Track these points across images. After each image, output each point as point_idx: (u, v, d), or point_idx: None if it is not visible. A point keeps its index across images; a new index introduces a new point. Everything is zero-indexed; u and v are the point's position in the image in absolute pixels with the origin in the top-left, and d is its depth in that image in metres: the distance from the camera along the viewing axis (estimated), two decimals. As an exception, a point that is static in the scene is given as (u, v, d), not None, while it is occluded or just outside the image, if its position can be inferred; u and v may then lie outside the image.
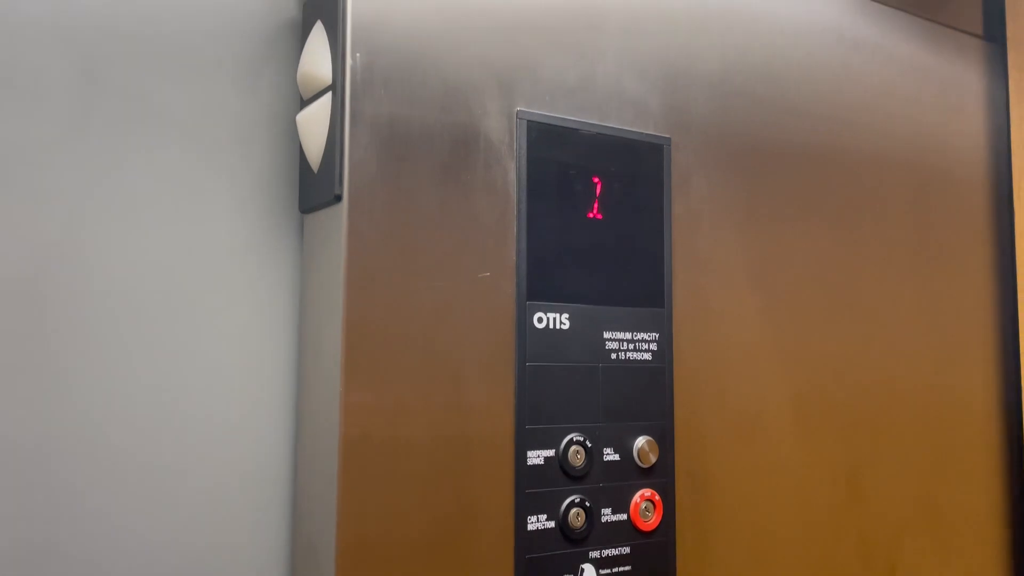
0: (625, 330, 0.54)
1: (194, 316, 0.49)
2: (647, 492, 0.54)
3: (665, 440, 0.55)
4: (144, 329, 0.48)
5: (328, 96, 0.48)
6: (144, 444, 0.47)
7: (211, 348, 0.50)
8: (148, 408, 0.47)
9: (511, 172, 0.51)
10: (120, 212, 0.48)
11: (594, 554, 0.52)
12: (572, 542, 0.51)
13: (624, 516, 0.53)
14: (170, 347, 0.48)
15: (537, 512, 0.50)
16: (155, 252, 0.48)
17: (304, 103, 0.51)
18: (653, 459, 0.54)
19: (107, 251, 0.47)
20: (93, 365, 0.46)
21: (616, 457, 0.53)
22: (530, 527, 0.50)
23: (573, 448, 0.51)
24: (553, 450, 0.51)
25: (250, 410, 0.50)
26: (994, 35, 0.80)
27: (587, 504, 0.52)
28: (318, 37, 0.49)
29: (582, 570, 0.51)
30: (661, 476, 0.55)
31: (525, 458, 0.50)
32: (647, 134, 0.57)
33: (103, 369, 0.46)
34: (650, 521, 0.54)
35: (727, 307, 0.60)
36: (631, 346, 0.54)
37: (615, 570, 0.52)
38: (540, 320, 0.51)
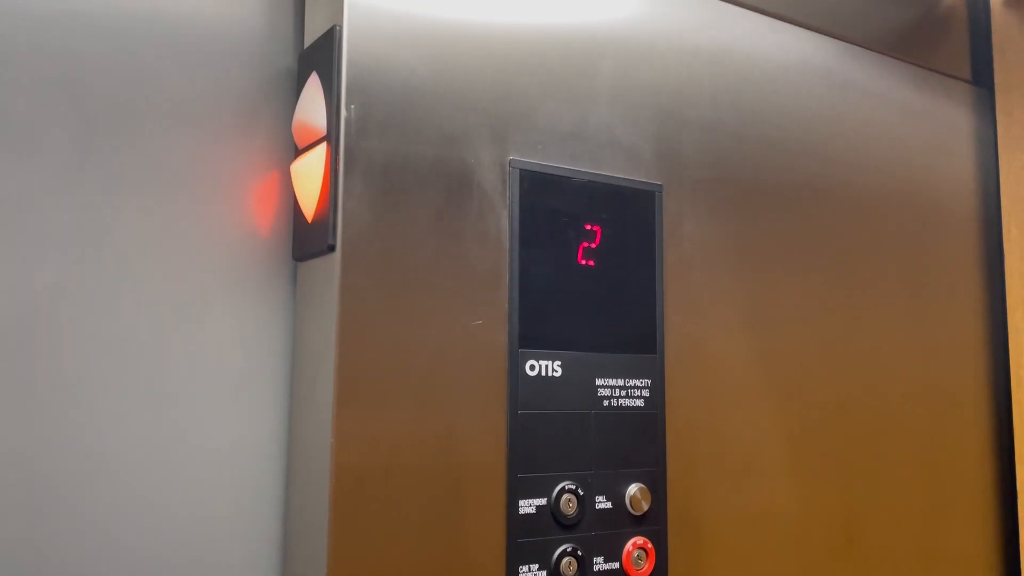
0: (617, 377, 0.54)
1: (187, 363, 0.49)
2: (639, 540, 0.54)
3: (657, 487, 0.55)
4: (137, 374, 0.48)
5: (323, 146, 0.48)
6: (136, 481, 0.47)
7: (203, 395, 0.49)
8: (140, 448, 0.47)
9: (504, 220, 0.52)
10: (114, 258, 0.48)
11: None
12: (564, 592, 0.51)
13: (616, 565, 0.53)
14: (163, 393, 0.48)
15: (529, 562, 0.50)
16: (148, 298, 0.48)
17: (299, 152, 0.52)
18: (646, 507, 0.54)
19: (101, 297, 0.47)
20: (87, 408, 0.46)
21: (608, 505, 0.53)
22: (522, 577, 0.49)
23: (565, 496, 0.51)
24: (545, 498, 0.51)
25: (242, 459, 0.50)
26: (982, 80, 0.82)
27: (579, 553, 0.51)
28: (313, 87, 0.50)
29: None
30: (654, 524, 0.55)
31: (517, 507, 0.50)
32: (639, 181, 0.57)
33: (97, 413, 0.46)
34: (642, 569, 0.53)
35: (720, 352, 0.60)
36: (623, 393, 0.55)
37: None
38: (532, 368, 0.51)
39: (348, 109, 0.47)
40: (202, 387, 0.49)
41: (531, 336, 0.52)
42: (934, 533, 0.71)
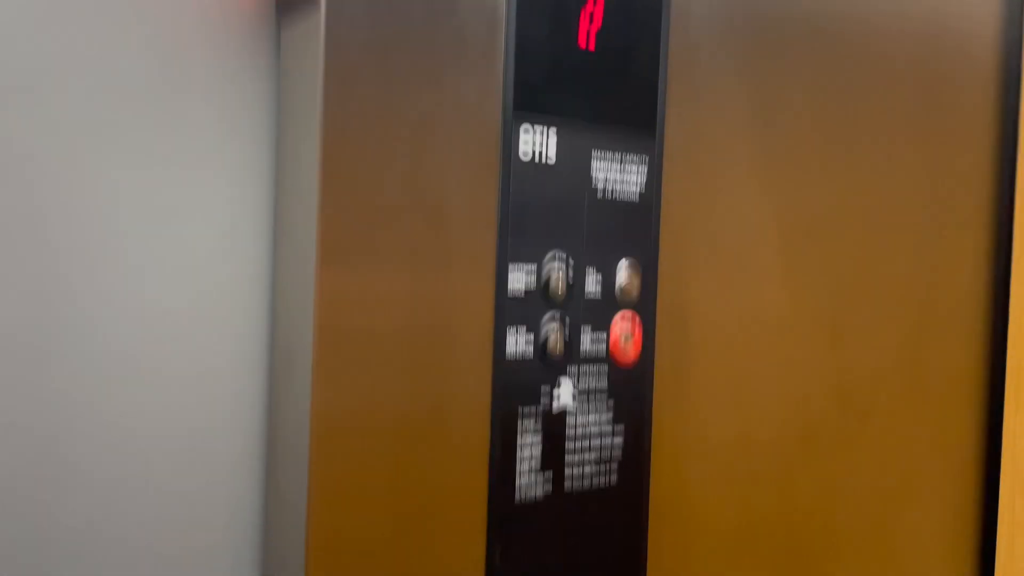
0: (614, 152, 0.53)
1: (167, 132, 0.47)
2: (628, 321, 0.53)
3: (648, 274, 0.54)
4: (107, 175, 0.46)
5: None
6: (110, 316, 0.46)
7: (183, 167, 0.48)
8: (112, 271, 0.46)
9: (502, -14, 0.49)
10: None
11: (572, 368, 0.51)
12: (550, 365, 0.51)
13: (603, 346, 0.52)
14: (138, 170, 0.47)
15: (516, 325, 0.49)
16: (116, 58, 0.47)
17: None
18: (635, 293, 0.53)
19: (64, 55, 0.45)
20: (61, 204, 0.45)
21: (598, 288, 0.52)
22: (509, 351, 0.49)
23: (555, 276, 0.51)
24: (535, 276, 0.50)
25: (224, 291, 0.49)
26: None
27: (567, 331, 0.51)
28: None
29: (559, 382, 0.51)
30: (643, 309, 0.54)
31: (506, 285, 0.49)
32: (646, -34, 0.54)
33: (69, 212, 0.45)
34: (629, 352, 0.53)
35: (721, 142, 0.59)
36: (619, 179, 0.53)
37: (592, 386, 0.52)
38: (526, 154, 0.50)
39: None
40: (184, 159, 0.48)
41: (526, 104, 0.50)
42: (919, 342, 0.71)
